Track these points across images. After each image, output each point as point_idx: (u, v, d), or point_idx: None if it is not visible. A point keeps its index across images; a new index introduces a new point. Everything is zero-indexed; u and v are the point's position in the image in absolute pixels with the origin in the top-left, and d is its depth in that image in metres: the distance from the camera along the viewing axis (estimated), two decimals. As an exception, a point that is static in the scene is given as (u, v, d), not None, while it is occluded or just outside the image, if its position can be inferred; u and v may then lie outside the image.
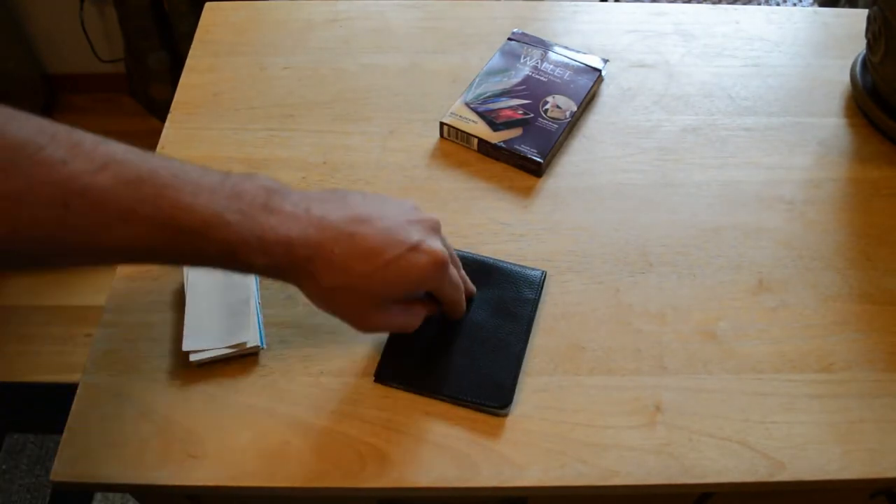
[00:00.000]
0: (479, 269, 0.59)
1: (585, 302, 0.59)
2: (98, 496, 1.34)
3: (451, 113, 0.70)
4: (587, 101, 0.73)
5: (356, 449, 0.51)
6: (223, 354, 0.54)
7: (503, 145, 0.67)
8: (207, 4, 0.83)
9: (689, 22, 0.83)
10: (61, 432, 0.51)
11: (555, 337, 0.57)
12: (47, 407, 1.44)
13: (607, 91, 0.75)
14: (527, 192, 0.66)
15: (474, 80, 0.73)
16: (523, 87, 0.72)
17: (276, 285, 0.59)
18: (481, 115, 0.70)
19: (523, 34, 0.77)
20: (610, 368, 0.55)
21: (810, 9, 0.85)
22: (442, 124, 0.70)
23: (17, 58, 1.75)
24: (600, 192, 0.66)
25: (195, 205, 0.40)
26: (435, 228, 0.49)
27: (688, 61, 0.78)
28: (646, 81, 0.76)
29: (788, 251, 0.62)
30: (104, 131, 0.39)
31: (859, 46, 0.77)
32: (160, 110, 1.81)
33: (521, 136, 0.68)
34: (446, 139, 0.70)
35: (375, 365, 0.54)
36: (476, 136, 0.68)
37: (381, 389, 0.54)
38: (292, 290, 0.52)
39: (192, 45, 0.78)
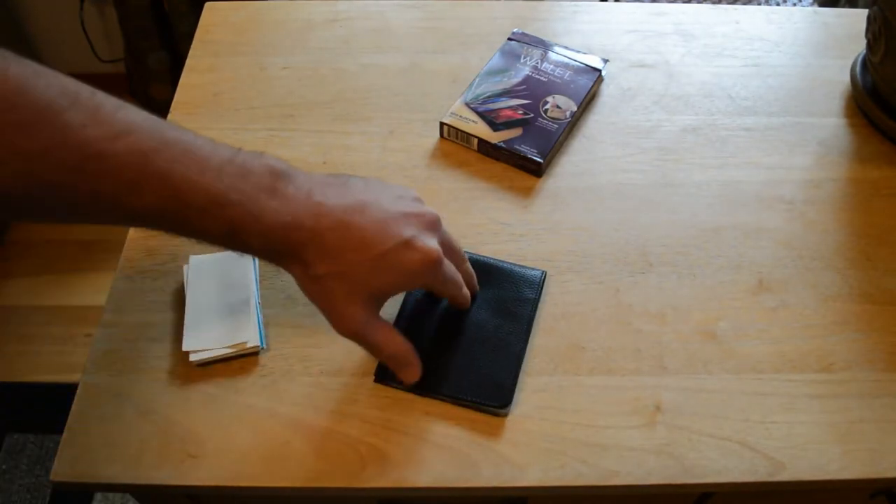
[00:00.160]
0: (479, 269, 0.59)
1: (585, 302, 0.59)
2: (98, 496, 1.34)
3: (451, 113, 0.70)
4: (587, 101, 0.73)
5: (356, 449, 0.51)
6: (223, 354, 0.54)
7: (503, 145, 0.67)
8: (207, 4, 0.83)
9: (689, 22, 0.83)
10: (61, 432, 0.51)
11: (555, 337, 0.57)
12: (47, 407, 1.44)
13: (607, 91, 0.75)
14: (527, 192, 0.66)
15: (474, 80, 0.73)
16: (523, 87, 0.72)
17: (276, 285, 0.59)
18: (481, 115, 0.70)
19: (523, 34, 0.77)
20: (610, 368, 0.55)
21: (810, 9, 0.85)
22: (442, 124, 0.70)
23: (17, 58, 1.75)
24: (600, 192, 0.66)
25: (201, 182, 0.41)
26: (432, 224, 0.49)
27: (688, 61, 0.78)
28: (646, 81, 0.76)
29: (788, 251, 0.62)
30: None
31: (859, 46, 0.77)
32: (160, 110, 1.79)
33: (521, 136, 0.68)
34: (446, 139, 0.70)
35: (375, 365, 0.54)
36: (476, 136, 0.68)
37: (381, 389, 0.54)
38: (292, 290, 0.51)
39: (192, 45, 0.79)
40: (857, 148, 0.71)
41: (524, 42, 0.77)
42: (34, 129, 0.36)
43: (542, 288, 0.59)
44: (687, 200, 0.66)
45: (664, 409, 0.53)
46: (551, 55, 0.75)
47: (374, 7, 0.83)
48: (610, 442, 0.51)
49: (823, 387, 0.54)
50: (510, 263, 0.60)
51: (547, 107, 0.70)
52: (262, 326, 0.56)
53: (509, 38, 0.77)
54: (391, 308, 0.57)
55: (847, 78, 0.76)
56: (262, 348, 0.55)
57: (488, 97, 0.71)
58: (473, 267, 0.58)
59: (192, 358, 0.53)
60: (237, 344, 0.54)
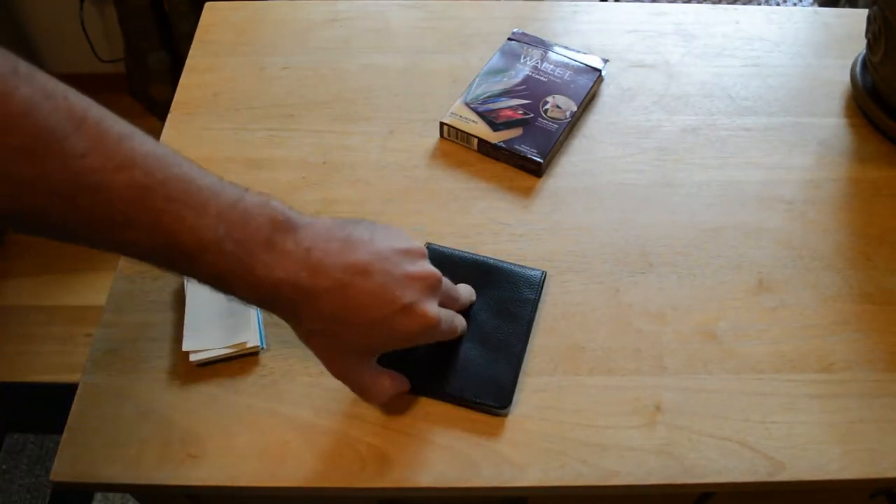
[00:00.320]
0: (479, 269, 0.59)
1: (585, 302, 0.59)
2: (98, 496, 1.34)
3: (451, 113, 0.70)
4: (587, 101, 0.73)
5: (356, 449, 0.51)
6: (223, 354, 0.54)
7: (503, 145, 0.67)
8: (207, 4, 0.83)
9: (689, 22, 0.83)
10: (61, 432, 0.51)
11: (555, 337, 0.57)
12: (47, 407, 1.44)
13: (607, 91, 0.75)
14: (527, 192, 0.66)
15: (474, 80, 0.73)
16: (523, 87, 0.72)
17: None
18: (481, 115, 0.70)
19: (523, 34, 0.77)
20: (610, 368, 0.55)
21: (810, 9, 0.85)
22: (442, 124, 0.70)
23: (17, 58, 1.75)
24: (600, 192, 0.66)
25: (195, 227, 0.40)
26: (433, 288, 0.48)
27: (688, 61, 0.78)
28: (646, 81, 0.76)
29: (788, 251, 0.62)
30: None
31: (859, 46, 0.77)
32: (160, 110, 1.81)
33: (521, 136, 0.68)
34: (446, 139, 0.70)
35: (375, 365, 0.54)
36: (476, 136, 0.68)
37: (381, 389, 0.54)
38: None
39: (192, 45, 0.78)
40: (857, 148, 0.71)
41: (524, 42, 0.77)
42: (32, 155, 0.35)
43: (542, 288, 0.59)
44: (687, 200, 0.66)
45: (664, 409, 0.53)
46: (551, 55, 0.75)
47: (374, 7, 0.83)
48: (610, 442, 0.51)
49: (823, 387, 0.54)
50: (510, 263, 0.60)
51: (547, 107, 0.70)
52: (262, 326, 0.56)
53: (509, 38, 0.77)
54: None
55: (847, 78, 0.76)
56: (262, 348, 0.55)
57: (488, 97, 0.71)
58: (473, 267, 0.59)
59: (192, 358, 0.53)
60: (237, 344, 0.54)
